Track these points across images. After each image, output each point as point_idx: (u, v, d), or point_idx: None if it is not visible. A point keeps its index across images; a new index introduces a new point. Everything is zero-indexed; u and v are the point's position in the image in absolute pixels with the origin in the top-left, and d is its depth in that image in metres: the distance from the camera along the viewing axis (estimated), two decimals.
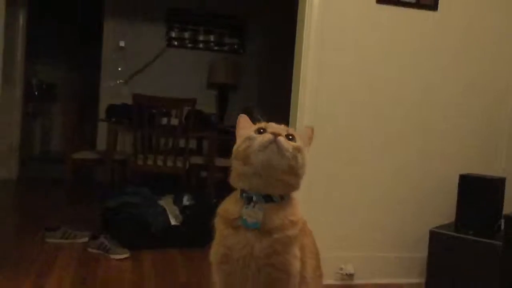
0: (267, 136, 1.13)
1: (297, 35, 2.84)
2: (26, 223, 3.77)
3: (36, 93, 7.33)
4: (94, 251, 3.06)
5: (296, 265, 1.16)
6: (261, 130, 1.17)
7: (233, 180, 1.20)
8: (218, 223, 1.21)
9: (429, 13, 2.86)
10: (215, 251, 1.20)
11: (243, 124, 1.26)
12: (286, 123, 2.70)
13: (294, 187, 1.20)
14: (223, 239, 1.17)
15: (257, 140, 1.13)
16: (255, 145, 1.13)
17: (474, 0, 2.94)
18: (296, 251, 1.17)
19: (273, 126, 1.19)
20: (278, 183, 1.15)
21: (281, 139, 1.13)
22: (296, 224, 1.18)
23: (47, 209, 4.25)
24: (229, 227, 1.17)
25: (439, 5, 2.86)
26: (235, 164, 1.18)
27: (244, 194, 1.18)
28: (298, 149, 1.16)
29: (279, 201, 1.18)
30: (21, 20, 5.39)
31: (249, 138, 1.16)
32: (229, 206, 1.20)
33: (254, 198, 1.15)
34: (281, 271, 1.14)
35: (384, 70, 2.86)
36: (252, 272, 1.14)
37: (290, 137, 1.17)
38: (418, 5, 2.84)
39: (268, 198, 1.16)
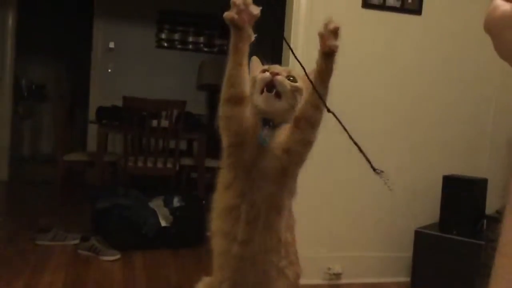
0: (265, 76, 1.23)
1: (283, 43, 2.89)
2: (16, 225, 3.77)
3: (25, 93, 7.31)
4: (85, 253, 3.08)
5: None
6: (265, 71, 1.25)
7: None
8: None
9: (413, 17, 2.92)
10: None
11: (255, 66, 1.32)
12: None
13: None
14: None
15: (257, 80, 1.24)
16: (256, 87, 1.23)
17: (457, 5, 3.00)
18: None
19: (275, 67, 1.27)
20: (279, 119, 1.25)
21: (279, 78, 1.21)
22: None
23: (38, 210, 4.26)
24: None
25: (423, 10, 2.92)
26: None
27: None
28: (297, 89, 1.24)
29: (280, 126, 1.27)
30: (11, 20, 5.38)
31: (253, 79, 1.25)
32: None
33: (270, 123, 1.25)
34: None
35: (369, 73, 2.91)
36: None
37: (291, 78, 1.24)
38: (402, 10, 2.89)
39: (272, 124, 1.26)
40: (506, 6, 0.48)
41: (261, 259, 1.24)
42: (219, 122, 1.25)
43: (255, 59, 1.33)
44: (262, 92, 1.22)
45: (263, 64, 1.33)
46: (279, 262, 1.28)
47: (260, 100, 1.22)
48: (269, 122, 1.24)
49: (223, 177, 1.28)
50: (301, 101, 1.24)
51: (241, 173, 1.23)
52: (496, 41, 0.50)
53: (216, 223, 1.28)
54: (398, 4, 2.88)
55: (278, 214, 1.25)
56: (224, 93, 1.23)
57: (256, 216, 1.22)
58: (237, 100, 1.21)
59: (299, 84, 1.24)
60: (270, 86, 1.22)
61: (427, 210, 2.95)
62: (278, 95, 1.22)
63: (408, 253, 2.80)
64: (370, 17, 2.86)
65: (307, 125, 1.23)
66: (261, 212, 1.23)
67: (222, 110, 1.24)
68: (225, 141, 1.25)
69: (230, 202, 1.24)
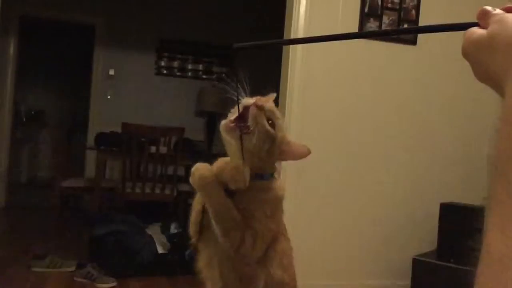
0: (248, 101, 1.09)
1: (282, 69, 2.94)
2: (13, 251, 3.75)
3: (24, 119, 7.34)
4: (81, 280, 3.06)
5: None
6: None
7: None
8: None
9: (409, 47, 2.98)
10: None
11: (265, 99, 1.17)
12: None
13: (265, 168, 1.13)
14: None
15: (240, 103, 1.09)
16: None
17: (452, 35, 3.05)
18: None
19: (267, 103, 1.11)
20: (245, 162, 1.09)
21: (255, 112, 1.06)
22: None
23: (35, 236, 4.23)
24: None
25: (418, 40, 2.98)
26: None
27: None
28: (268, 135, 1.07)
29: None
30: (12, 47, 5.45)
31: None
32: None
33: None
34: None
35: (367, 101, 2.95)
36: None
37: (269, 121, 1.08)
38: (398, 40, 2.96)
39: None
40: (480, 31, 0.50)
41: None
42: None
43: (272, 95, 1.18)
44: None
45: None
46: None
47: (223, 124, 1.09)
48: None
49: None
50: (265, 155, 1.08)
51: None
52: (473, 65, 0.52)
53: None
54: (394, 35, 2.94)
55: (247, 264, 1.14)
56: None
57: (227, 269, 1.15)
58: None
59: (273, 131, 1.07)
60: (242, 114, 1.08)
61: (426, 237, 2.95)
62: (246, 129, 1.07)
63: (406, 281, 2.79)
64: (366, 47, 2.92)
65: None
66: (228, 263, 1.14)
67: None
68: None
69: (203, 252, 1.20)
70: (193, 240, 1.20)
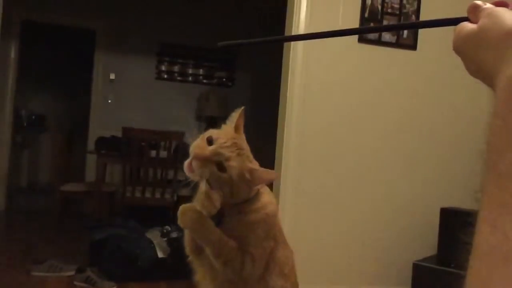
0: (198, 145, 1.07)
1: (282, 75, 2.95)
2: (12, 255, 3.74)
3: (25, 124, 7.34)
4: (81, 284, 3.05)
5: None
6: (209, 139, 1.08)
7: None
8: None
9: (409, 52, 2.99)
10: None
11: (237, 121, 1.13)
12: (273, 156, 2.77)
13: (241, 197, 1.11)
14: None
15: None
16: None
17: (451, 40, 3.06)
18: None
19: (220, 140, 1.07)
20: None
21: (196, 164, 1.04)
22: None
23: (34, 241, 4.22)
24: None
25: (418, 45, 2.98)
26: None
27: None
28: (216, 179, 1.05)
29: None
30: (13, 52, 5.47)
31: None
32: None
33: None
34: None
35: (367, 106, 2.96)
36: None
37: (220, 165, 1.04)
38: (398, 45, 2.96)
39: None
40: (471, 26, 0.50)
41: None
42: None
43: (239, 111, 1.14)
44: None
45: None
46: None
47: (185, 164, 1.07)
48: None
49: None
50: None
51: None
52: (465, 60, 0.52)
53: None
54: (393, 40, 2.94)
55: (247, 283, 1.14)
56: None
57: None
58: None
59: (225, 175, 1.03)
60: (190, 163, 1.06)
61: (426, 242, 2.95)
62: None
63: (407, 286, 2.78)
64: (366, 52, 2.93)
65: None
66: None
67: None
68: None
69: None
70: (190, 258, 1.20)
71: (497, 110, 0.41)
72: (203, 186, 1.12)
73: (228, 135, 1.08)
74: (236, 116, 1.13)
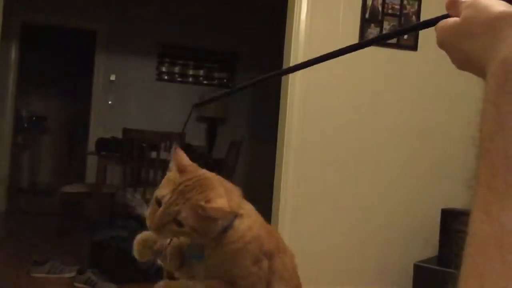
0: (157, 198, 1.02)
1: (282, 79, 2.95)
2: (13, 257, 3.74)
3: (25, 125, 7.35)
4: (81, 286, 3.05)
5: None
6: (157, 201, 1.02)
7: None
8: None
9: (409, 53, 2.98)
10: None
11: (176, 163, 1.05)
12: (274, 157, 2.75)
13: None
14: None
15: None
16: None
17: None
18: None
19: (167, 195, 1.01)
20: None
21: (148, 233, 1.02)
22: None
23: (35, 242, 4.22)
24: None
25: (418, 46, 2.98)
26: None
27: None
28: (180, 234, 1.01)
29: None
30: (13, 53, 5.47)
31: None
32: None
33: None
34: None
35: (367, 106, 2.95)
36: None
37: (177, 221, 0.99)
38: (398, 46, 2.96)
39: None
40: (453, 19, 0.50)
41: None
42: None
43: (178, 152, 1.06)
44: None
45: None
46: None
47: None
48: None
49: None
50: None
51: None
52: (451, 53, 0.52)
53: None
54: (394, 40, 2.94)
55: None
56: None
57: None
58: None
59: (185, 229, 0.99)
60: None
61: (427, 243, 2.95)
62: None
63: (408, 287, 2.78)
64: (367, 53, 2.92)
65: None
66: None
67: None
68: None
69: None
70: (175, 273, 1.16)
71: (488, 95, 0.42)
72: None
73: (172, 186, 1.02)
74: (175, 158, 1.06)
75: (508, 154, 0.37)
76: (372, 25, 2.93)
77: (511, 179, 0.36)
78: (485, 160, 0.39)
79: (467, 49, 0.47)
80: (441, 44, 0.52)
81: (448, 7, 0.52)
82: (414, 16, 2.97)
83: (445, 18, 0.52)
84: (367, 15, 2.91)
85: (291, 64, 2.84)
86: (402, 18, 2.95)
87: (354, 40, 2.89)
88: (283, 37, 2.98)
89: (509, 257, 0.34)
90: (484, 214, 0.37)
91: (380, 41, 2.77)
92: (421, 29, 0.55)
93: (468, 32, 0.47)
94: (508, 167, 0.37)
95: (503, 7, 0.44)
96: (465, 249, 0.38)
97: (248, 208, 1.09)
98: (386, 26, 2.94)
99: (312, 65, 0.60)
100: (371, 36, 2.92)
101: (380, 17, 2.92)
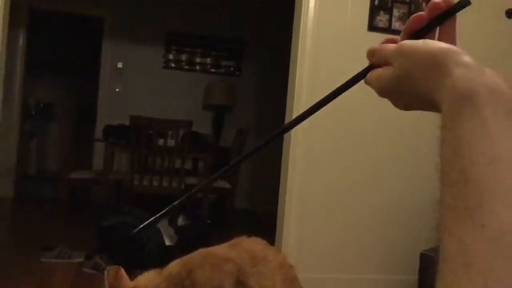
0: None
1: (290, 64, 2.93)
2: (22, 242, 3.78)
3: (33, 112, 7.38)
4: (89, 271, 3.08)
5: None
6: None
7: None
8: None
9: None
10: None
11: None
12: (281, 148, 2.75)
13: None
14: None
15: None
16: None
17: (460, 27, 3.03)
18: None
19: None
20: None
21: None
22: None
23: (43, 228, 4.26)
24: None
25: None
26: None
27: None
28: None
29: None
30: (21, 40, 5.48)
31: None
32: None
33: None
34: None
35: (374, 104, 2.93)
36: None
37: None
38: None
39: None
40: (384, 69, 0.52)
41: None
42: None
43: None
44: None
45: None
46: None
47: None
48: None
49: None
50: None
51: None
52: (398, 98, 0.53)
53: None
54: (403, 27, 2.91)
55: None
56: None
57: None
58: None
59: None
60: None
61: (433, 232, 2.94)
62: None
63: (414, 276, 2.78)
64: (376, 40, 2.89)
65: None
66: None
67: None
68: None
69: None
70: None
71: (443, 122, 0.44)
72: None
73: None
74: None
75: (465, 176, 0.39)
76: (382, 12, 2.90)
77: (470, 201, 0.38)
78: (446, 183, 0.41)
79: (417, 92, 0.48)
80: (384, 93, 0.54)
81: (369, 56, 0.55)
82: (424, 3, 2.94)
83: (371, 69, 0.54)
84: (376, 2, 2.88)
85: (299, 54, 2.83)
86: (412, 5, 2.92)
87: (363, 26, 2.86)
88: (291, 24, 2.96)
89: (472, 273, 0.35)
90: (448, 234, 0.39)
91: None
92: (351, 87, 0.55)
93: (411, 78, 0.48)
94: (466, 189, 0.39)
95: (437, 44, 0.46)
96: (438, 264, 0.39)
97: None
98: (396, 13, 2.91)
99: (311, 114, 0.60)
100: (380, 24, 2.89)
101: (389, 4, 2.89)
